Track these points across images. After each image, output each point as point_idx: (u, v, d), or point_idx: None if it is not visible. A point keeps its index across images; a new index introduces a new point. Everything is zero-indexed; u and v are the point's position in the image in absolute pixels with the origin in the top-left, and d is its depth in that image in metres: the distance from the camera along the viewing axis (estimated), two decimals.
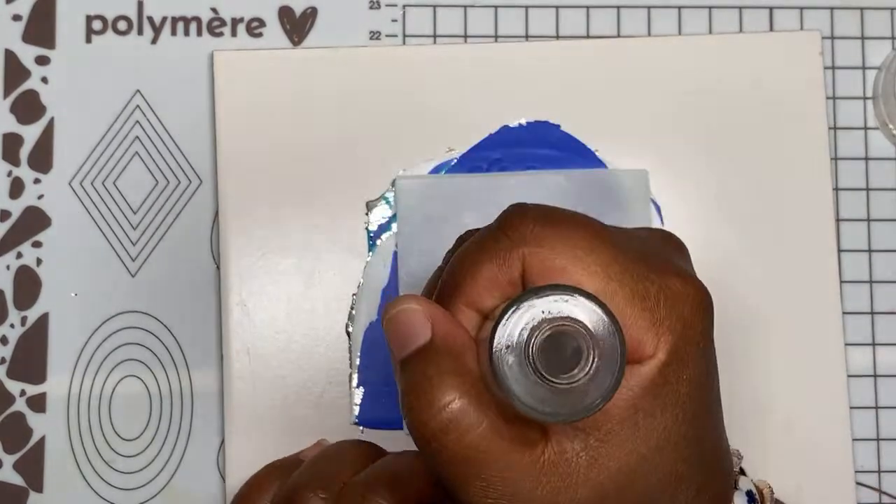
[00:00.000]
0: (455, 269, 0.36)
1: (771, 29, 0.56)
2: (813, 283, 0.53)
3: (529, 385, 0.32)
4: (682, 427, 0.35)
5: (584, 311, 0.33)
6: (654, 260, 0.36)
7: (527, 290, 0.34)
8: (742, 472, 0.40)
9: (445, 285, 0.37)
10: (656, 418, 0.35)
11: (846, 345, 0.53)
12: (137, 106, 0.54)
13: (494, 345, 0.33)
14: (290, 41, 0.55)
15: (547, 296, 0.33)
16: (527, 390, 0.32)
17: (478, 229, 0.38)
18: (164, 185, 0.54)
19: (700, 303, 0.36)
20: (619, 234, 0.36)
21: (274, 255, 0.53)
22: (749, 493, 0.39)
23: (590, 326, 0.33)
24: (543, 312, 0.33)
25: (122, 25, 0.55)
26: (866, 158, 0.55)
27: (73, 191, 0.53)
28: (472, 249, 0.36)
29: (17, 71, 0.54)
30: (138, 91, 0.54)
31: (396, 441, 0.52)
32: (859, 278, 0.54)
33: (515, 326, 0.33)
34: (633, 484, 0.35)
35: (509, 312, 0.33)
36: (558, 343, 0.33)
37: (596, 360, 0.33)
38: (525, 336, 0.33)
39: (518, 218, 0.36)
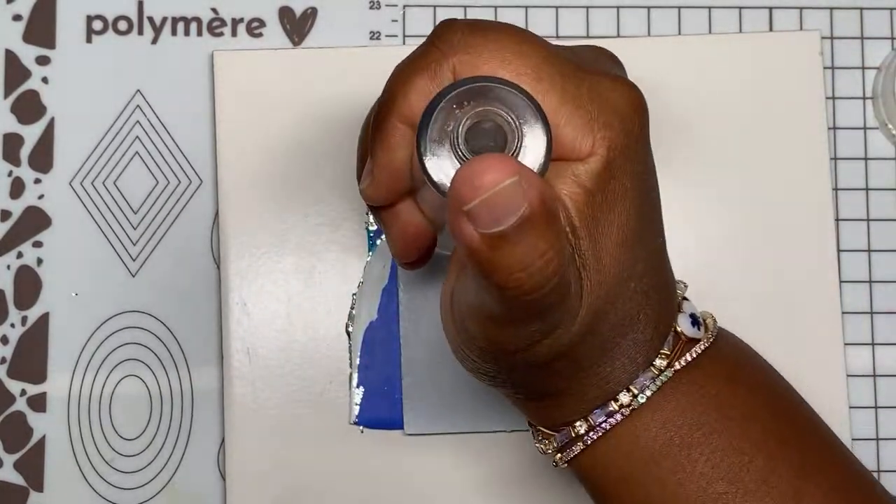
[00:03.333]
0: (389, 87, 0.37)
1: (770, 29, 0.56)
2: (813, 283, 0.53)
3: None
4: (634, 222, 0.36)
5: (505, 98, 0.33)
6: (585, 64, 0.37)
7: (450, 84, 0.34)
8: (685, 299, 0.41)
9: (381, 105, 0.37)
10: (613, 212, 0.35)
11: (846, 345, 0.53)
12: (137, 106, 0.54)
13: (421, 144, 0.33)
14: (290, 41, 0.55)
15: (469, 85, 0.33)
16: None
17: None
18: (164, 185, 0.54)
19: (633, 99, 0.36)
20: (549, 43, 0.37)
21: (274, 255, 0.53)
22: (692, 316, 0.40)
23: (512, 111, 0.33)
24: (467, 103, 0.33)
25: (122, 25, 0.55)
26: (866, 158, 0.55)
27: (74, 191, 0.54)
28: (404, 66, 0.37)
29: (17, 71, 0.54)
30: (138, 91, 0.54)
31: (396, 441, 0.52)
32: (859, 278, 0.54)
33: (441, 119, 0.33)
34: (613, 286, 0.36)
35: (436, 107, 0.33)
36: (484, 131, 0.33)
37: (522, 139, 0.33)
38: (451, 126, 0.33)
39: (446, 29, 0.36)
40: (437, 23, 0.41)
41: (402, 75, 0.36)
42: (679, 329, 0.40)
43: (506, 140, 0.33)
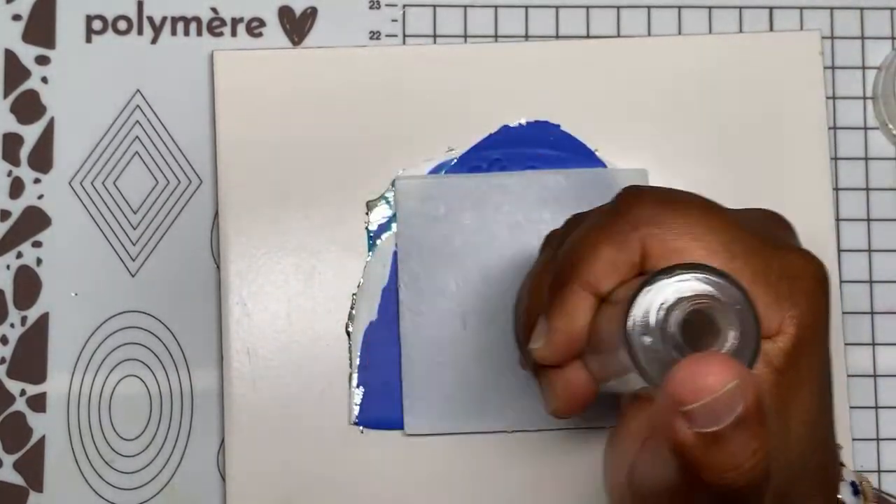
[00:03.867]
0: (574, 251, 0.36)
1: (771, 29, 0.56)
2: None
3: (665, 365, 0.32)
4: (818, 400, 0.35)
5: (718, 289, 0.33)
6: (762, 232, 0.36)
7: (658, 270, 0.33)
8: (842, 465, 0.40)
9: (563, 267, 0.36)
10: (801, 390, 0.35)
11: (846, 345, 0.53)
12: (137, 106, 0.54)
13: (628, 326, 0.33)
14: (290, 41, 0.55)
15: (679, 274, 0.33)
16: (662, 371, 0.32)
17: (586, 213, 0.37)
18: (164, 185, 0.54)
19: (822, 278, 0.36)
20: (734, 212, 0.36)
21: (274, 255, 0.53)
22: (853, 484, 0.39)
23: (726, 302, 0.33)
24: (678, 291, 0.33)
25: (122, 25, 0.55)
26: (866, 158, 0.55)
27: (73, 191, 0.54)
28: (590, 232, 0.36)
29: (17, 71, 0.54)
30: (138, 91, 0.54)
31: (396, 441, 0.52)
32: (859, 278, 0.54)
33: (651, 307, 0.33)
34: (794, 463, 0.35)
35: (642, 293, 0.33)
36: (695, 321, 0.33)
37: (735, 334, 0.33)
38: (662, 315, 0.33)
39: (635, 200, 0.36)
40: (624, 192, 0.38)
41: (588, 241, 0.36)
42: (841, 498, 0.38)
43: (719, 331, 0.33)
